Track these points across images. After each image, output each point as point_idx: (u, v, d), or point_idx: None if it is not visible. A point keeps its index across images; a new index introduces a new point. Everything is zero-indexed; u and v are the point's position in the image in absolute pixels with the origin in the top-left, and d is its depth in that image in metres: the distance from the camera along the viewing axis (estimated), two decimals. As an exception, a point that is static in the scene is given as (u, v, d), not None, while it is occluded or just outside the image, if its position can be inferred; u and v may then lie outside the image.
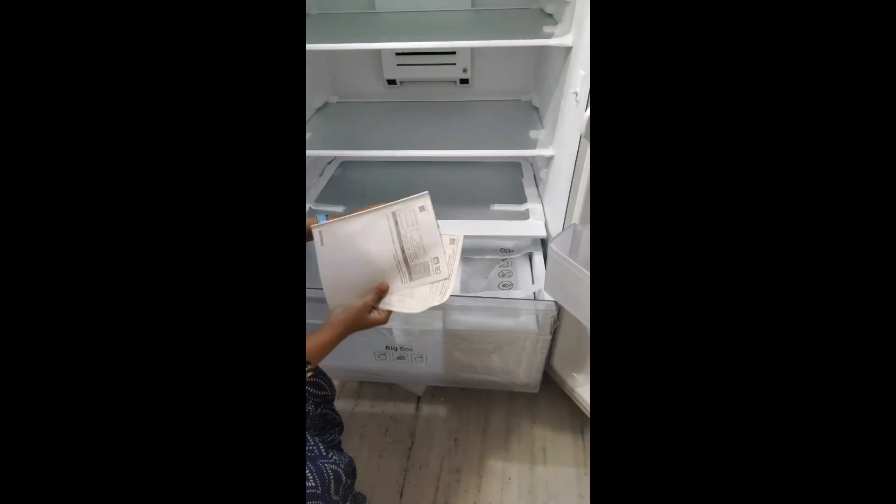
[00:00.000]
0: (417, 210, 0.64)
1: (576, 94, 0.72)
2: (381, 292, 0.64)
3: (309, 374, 0.60)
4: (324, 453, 0.65)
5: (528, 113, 1.15)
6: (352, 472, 0.71)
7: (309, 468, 0.59)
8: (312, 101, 1.19)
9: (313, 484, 0.57)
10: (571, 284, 0.65)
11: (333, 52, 0.94)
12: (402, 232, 0.65)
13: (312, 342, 0.59)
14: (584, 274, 0.62)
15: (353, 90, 1.27)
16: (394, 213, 0.65)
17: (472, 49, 1.13)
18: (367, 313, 0.63)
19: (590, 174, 0.71)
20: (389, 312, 0.64)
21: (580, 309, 0.67)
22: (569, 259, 0.64)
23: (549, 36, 0.82)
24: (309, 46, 0.84)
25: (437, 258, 0.64)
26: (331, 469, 0.61)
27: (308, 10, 1.10)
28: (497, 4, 1.10)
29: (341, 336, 0.61)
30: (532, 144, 0.96)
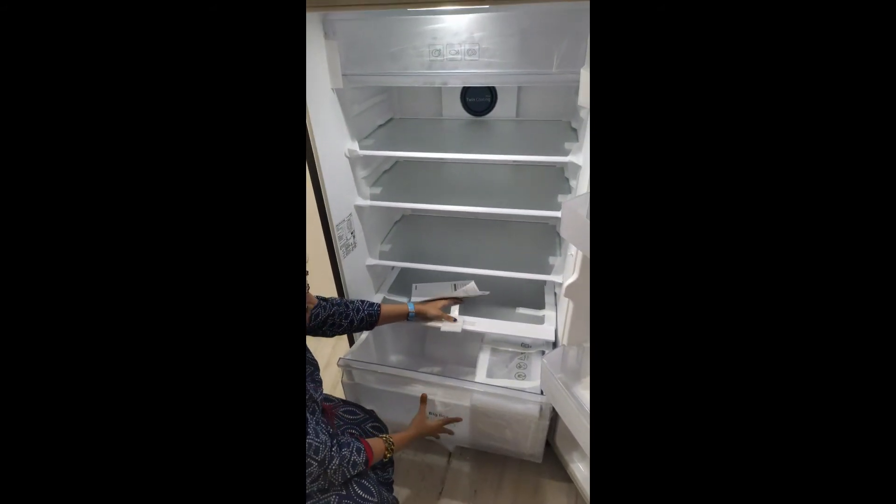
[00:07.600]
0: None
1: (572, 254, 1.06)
2: (424, 401, 1.13)
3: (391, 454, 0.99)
4: (378, 490, 0.99)
5: (551, 236, 1.49)
6: None
7: (370, 490, 0.92)
8: (393, 215, 1.63)
9: (377, 500, 0.91)
10: (555, 390, 0.96)
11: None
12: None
13: (401, 437, 1.01)
14: (562, 385, 0.93)
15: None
16: (454, 285, 1.40)
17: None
18: (425, 418, 1.10)
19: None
20: (441, 423, 1.12)
21: (560, 408, 0.97)
22: (553, 374, 0.96)
23: (557, 206, 1.17)
24: (387, 205, 1.25)
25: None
26: (386, 497, 0.95)
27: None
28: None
29: (418, 430, 1.06)
30: (549, 270, 1.30)
